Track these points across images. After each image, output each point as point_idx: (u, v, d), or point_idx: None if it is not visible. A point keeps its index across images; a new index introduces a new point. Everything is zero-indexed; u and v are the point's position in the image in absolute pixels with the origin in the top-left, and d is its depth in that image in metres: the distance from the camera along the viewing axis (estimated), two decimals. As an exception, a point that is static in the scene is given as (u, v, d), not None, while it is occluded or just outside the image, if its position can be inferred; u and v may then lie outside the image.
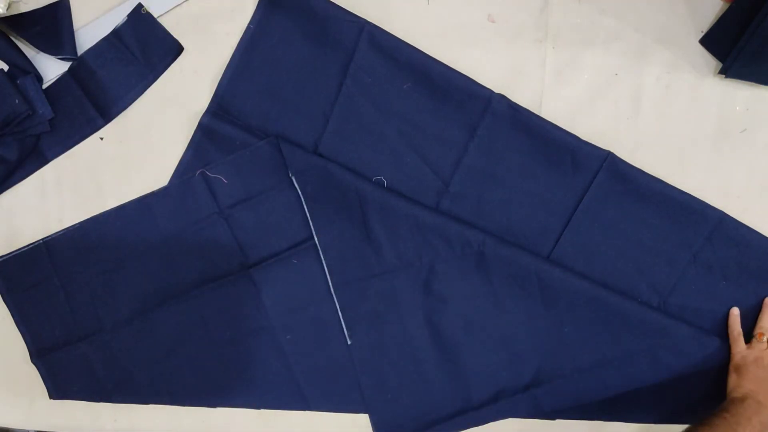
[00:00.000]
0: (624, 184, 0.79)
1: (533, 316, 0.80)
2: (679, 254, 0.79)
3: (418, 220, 0.80)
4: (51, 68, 0.84)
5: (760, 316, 0.78)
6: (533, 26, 0.82)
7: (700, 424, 0.71)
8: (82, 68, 0.84)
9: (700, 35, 0.80)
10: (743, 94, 0.80)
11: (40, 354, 0.84)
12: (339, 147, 0.82)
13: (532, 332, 0.80)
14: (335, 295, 0.81)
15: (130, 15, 0.83)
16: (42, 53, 0.84)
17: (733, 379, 0.76)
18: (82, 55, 0.84)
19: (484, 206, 0.81)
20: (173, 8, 0.84)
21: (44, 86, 0.84)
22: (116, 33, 0.84)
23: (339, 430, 0.83)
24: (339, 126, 0.82)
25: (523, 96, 0.80)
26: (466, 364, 0.81)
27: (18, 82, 0.82)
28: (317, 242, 0.81)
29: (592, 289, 0.78)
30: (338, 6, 0.81)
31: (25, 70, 0.83)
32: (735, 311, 0.79)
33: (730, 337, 0.78)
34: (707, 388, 0.79)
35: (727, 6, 0.79)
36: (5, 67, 0.83)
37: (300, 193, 0.81)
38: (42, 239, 0.83)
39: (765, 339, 0.76)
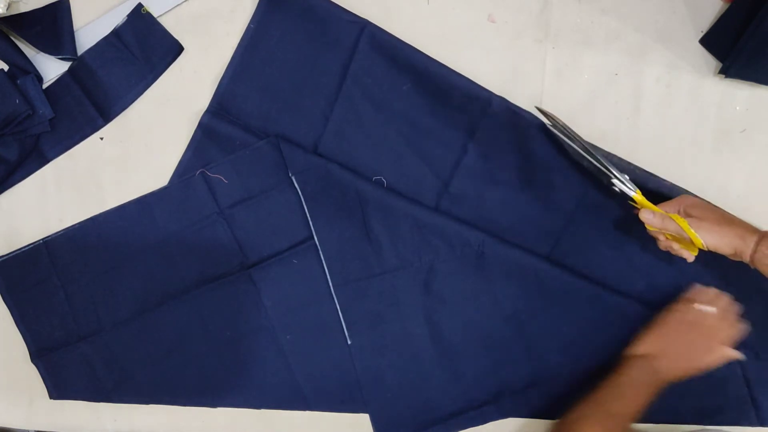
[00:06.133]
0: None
1: (533, 315, 0.80)
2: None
3: (418, 220, 0.80)
4: (51, 68, 0.84)
5: (708, 288, 0.76)
6: (533, 26, 0.82)
7: (599, 386, 0.70)
8: (82, 68, 0.84)
9: (700, 35, 0.80)
10: (743, 94, 0.80)
11: (40, 354, 0.84)
12: (339, 147, 0.82)
13: (531, 332, 0.80)
14: (335, 295, 0.82)
15: (130, 15, 0.84)
16: (42, 53, 0.84)
17: (645, 336, 0.74)
18: (82, 55, 0.84)
19: (483, 206, 0.81)
20: (173, 8, 0.84)
21: (44, 86, 0.84)
22: (116, 33, 0.84)
23: (339, 430, 0.83)
24: (339, 126, 0.82)
25: (523, 96, 0.80)
26: (465, 363, 0.81)
27: (18, 82, 0.82)
28: (317, 242, 0.81)
29: (592, 288, 0.78)
30: (339, 6, 0.81)
31: (25, 70, 0.83)
32: (700, 285, 0.77)
33: (685, 295, 0.76)
34: (709, 389, 0.79)
35: (727, 6, 0.79)
36: (5, 67, 0.83)
37: (300, 193, 0.81)
38: (42, 239, 0.83)
39: (706, 308, 0.74)
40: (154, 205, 0.83)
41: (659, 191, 0.76)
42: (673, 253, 0.73)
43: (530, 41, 0.82)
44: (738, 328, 0.74)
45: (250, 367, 0.83)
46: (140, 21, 0.83)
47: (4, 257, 0.83)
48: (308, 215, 0.81)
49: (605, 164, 0.73)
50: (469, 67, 0.80)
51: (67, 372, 0.83)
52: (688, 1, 0.81)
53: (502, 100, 0.79)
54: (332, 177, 0.80)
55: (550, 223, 0.81)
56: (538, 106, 0.78)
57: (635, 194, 0.73)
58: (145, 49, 0.84)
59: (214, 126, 0.83)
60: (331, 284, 0.81)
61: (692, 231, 0.68)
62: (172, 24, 0.84)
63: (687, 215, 0.70)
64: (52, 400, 0.84)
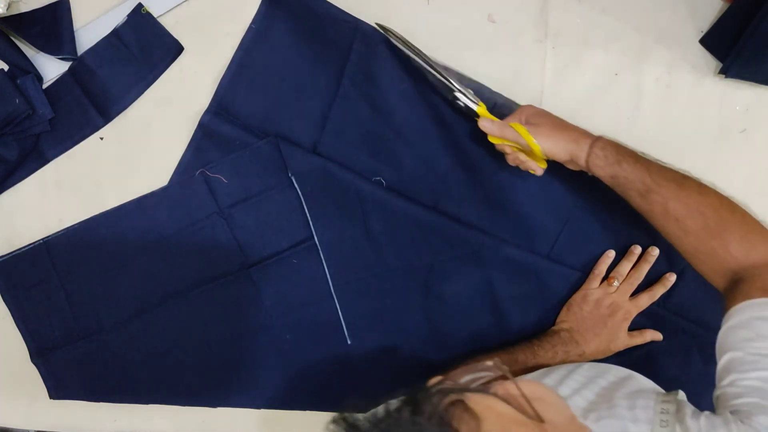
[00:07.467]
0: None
1: (532, 315, 0.80)
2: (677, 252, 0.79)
3: (418, 220, 0.80)
4: (51, 68, 0.84)
5: (620, 262, 0.79)
6: (533, 26, 0.82)
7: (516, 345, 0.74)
8: (82, 68, 0.84)
9: (700, 35, 0.80)
10: (743, 94, 0.80)
11: (40, 354, 0.84)
12: (338, 147, 0.82)
13: (531, 332, 0.80)
14: (335, 294, 0.82)
15: (130, 15, 0.83)
16: (42, 53, 0.84)
17: (562, 313, 0.78)
18: (82, 55, 0.84)
19: (483, 206, 0.81)
20: (173, 8, 0.84)
21: (44, 86, 0.84)
22: (116, 33, 0.84)
23: (339, 430, 0.83)
24: (337, 126, 0.82)
25: (523, 96, 0.80)
26: (465, 363, 0.81)
27: (18, 82, 0.82)
28: (317, 242, 0.81)
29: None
30: (337, 7, 0.81)
31: (25, 70, 0.83)
32: (611, 253, 0.79)
33: (591, 273, 0.79)
34: (709, 388, 0.79)
35: (727, 6, 0.79)
36: (5, 67, 0.83)
37: (300, 193, 0.81)
38: (42, 239, 0.83)
39: (615, 284, 0.77)
40: (154, 205, 0.83)
41: (508, 106, 0.77)
42: (522, 167, 0.73)
43: (530, 41, 0.82)
44: (639, 303, 0.77)
45: (250, 367, 0.83)
46: (140, 21, 0.83)
47: (4, 257, 0.83)
48: (308, 215, 0.81)
49: (448, 78, 0.73)
50: (469, 67, 0.80)
51: (67, 372, 0.83)
52: (688, 1, 0.80)
53: (506, 100, 0.79)
54: (332, 177, 0.80)
55: (549, 223, 0.81)
56: (378, 22, 0.79)
57: (478, 107, 0.73)
58: (145, 49, 0.84)
59: (214, 126, 0.83)
60: (331, 284, 0.81)
61: (530, 136, 0.68)
62: (172, 24, 0.84)
63: (527, 124, 0.70)
64: (52, 400, 0.84)
